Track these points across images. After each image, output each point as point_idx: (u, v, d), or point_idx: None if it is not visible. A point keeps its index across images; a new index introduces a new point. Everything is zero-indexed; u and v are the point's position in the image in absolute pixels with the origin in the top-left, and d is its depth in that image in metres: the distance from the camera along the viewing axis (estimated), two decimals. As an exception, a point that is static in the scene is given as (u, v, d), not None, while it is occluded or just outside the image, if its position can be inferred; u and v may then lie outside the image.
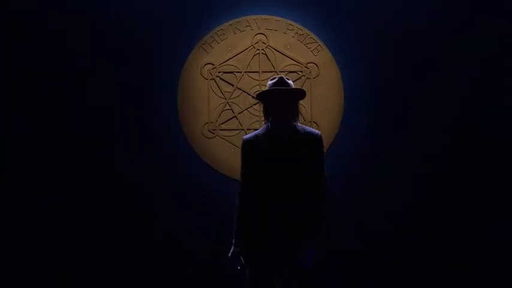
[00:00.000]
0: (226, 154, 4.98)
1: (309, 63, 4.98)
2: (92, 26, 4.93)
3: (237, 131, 4.99)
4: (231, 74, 4.98)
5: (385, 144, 4.90)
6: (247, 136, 3.65)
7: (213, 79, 4.98)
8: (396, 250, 4.91)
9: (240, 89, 5.01)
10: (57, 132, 4.91)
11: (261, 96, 3.63)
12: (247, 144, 3.62)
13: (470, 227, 4.90)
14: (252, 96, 4.73)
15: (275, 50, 4.99)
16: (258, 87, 4.96)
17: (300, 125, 3.65)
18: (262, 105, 3.65)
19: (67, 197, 4.87)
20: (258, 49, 4.99)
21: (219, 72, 4.98)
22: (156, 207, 4.97)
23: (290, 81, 3.68)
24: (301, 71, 4.97)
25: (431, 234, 4.90)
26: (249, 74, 5.00)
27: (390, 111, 4.95)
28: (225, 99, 5.00)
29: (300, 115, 3.67)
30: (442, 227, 4.89)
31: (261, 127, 3.70)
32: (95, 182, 4.89)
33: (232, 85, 5.00)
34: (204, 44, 5.00)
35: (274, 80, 3.62)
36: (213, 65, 4.99)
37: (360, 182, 4.85)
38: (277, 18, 5.00)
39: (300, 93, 3.67)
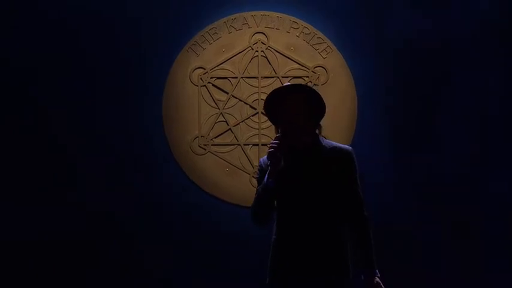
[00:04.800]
0: (219, 174, 4.84)
1: (317, 67, 4.85)
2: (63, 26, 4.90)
3: (233, 147, 4.85)
4: (225, 80, 4.86)
5: (403, 159, 4.84)
6: (265, 158, 3.41)
7: (204, 86, 4.85)
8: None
9: (236, 98, 4.86)
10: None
11: (268, 107, 3.38)
12: (264, 167, 3.38)
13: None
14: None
15: (277, 51, 4.86)
16: (256, 95, 4.84)
17: (325, 139, 3.40)
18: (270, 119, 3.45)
19: (45, 212, 4.83)
20: (256, 51, 4.85)
21: (211, 78, 4.85)
22: (137, 235, 4.84)
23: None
24: (308, 76, 4.83)
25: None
26: (246, 79, 4.86)
27: (409, 121, 4.87)
28: (218, 109, 4.85)
29: (321, 126, 3.39)
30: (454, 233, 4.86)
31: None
32: (69, 201, 4.83)
33: (227, 93, 4.85)
34: (193, 44, 4.86)
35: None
36: (204, 69, 4.85)
37: (375, 198, 4.66)
38: (279, 14, 4.86)
39: (314, 95, 3.35)
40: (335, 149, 3.34)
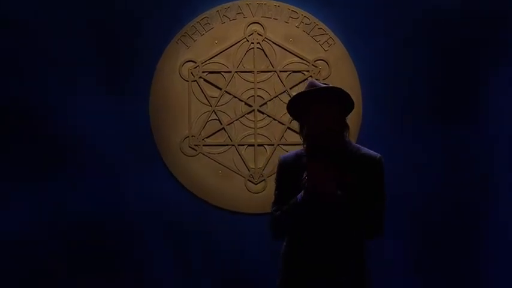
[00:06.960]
0: (211, 177, 4.80)
1: (318, 60, 4.80)
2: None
3: (226, 147, 4.81)
4: (218, 75, 4.82)
5: (410, 153, 4.83)
6: (286, 155, 3.54)
7: (195, 81, 4.81)
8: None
9: (230, 94, 4.81)
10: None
11: (293, 107, 3.42)
12: (284, 166, 3.47)
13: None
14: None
15: (274, 43, 4.81)
16: (252, 91, 4.78)
17: (354, 143, 3.47)
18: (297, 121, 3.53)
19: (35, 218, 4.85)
20: (252, 42, 4.80)
21: (202, 72, 4.81)
22: (123, 241, 4.81)
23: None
24: (308, 70, 4.78)
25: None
26: (241, 74, 4.81)
27: (415, 115, 4.86)
28: (211, 106, 4.81)
29: (349, 128, 3.43)
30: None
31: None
32: (54, 206, 4.83)
33: (220, 88, 4.81)
34: (183, 36, 4.81)
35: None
36: (195, 62, 4.80)
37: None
38: (277, 3, 4.82)
39: (344, 96, 3.39)
40: (363, 155, 3.40)
